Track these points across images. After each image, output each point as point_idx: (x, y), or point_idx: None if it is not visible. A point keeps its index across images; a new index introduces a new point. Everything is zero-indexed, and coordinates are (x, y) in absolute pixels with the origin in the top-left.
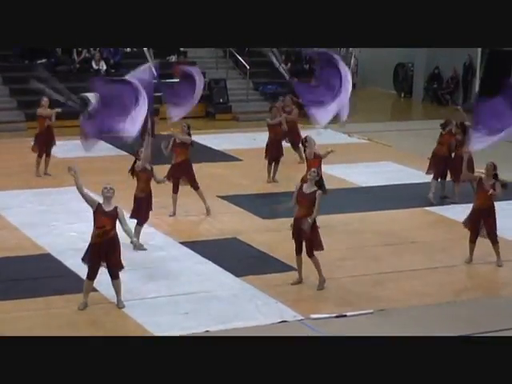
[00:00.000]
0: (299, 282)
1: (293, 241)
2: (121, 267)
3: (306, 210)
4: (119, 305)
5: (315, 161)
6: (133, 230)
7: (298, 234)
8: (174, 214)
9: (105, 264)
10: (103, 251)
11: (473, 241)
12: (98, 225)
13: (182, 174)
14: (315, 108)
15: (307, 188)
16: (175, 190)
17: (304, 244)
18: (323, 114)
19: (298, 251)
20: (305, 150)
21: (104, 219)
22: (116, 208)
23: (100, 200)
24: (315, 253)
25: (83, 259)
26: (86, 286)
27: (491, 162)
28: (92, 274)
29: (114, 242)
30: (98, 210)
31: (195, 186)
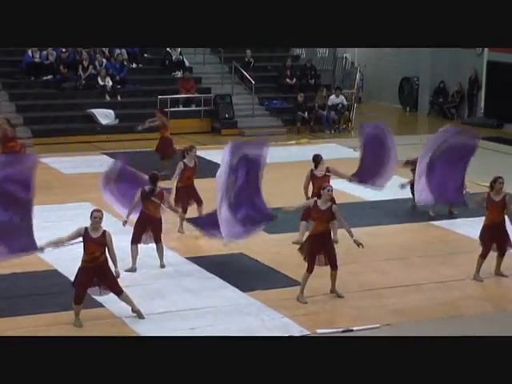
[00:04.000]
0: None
1: (299, 256)
2: (119, 290)
3: (324, 224)
4: (139, 316)
5: (324, 178)
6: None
7: (323, 249)
8: (182, 231)
9: (96, 288)
10: (93, 276)
11: (484, 256)
12: (87, 251)
13: (190, 197)
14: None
15: (322, 204)
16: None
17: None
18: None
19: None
20: (316, 166)
21: (92, 246)
22: (104, 233)
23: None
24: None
25: (73, 283)
26: (76, 309)
27: (499, 176)
28: (78, 300)
29: (104, 267)
30: (85, 237)
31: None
